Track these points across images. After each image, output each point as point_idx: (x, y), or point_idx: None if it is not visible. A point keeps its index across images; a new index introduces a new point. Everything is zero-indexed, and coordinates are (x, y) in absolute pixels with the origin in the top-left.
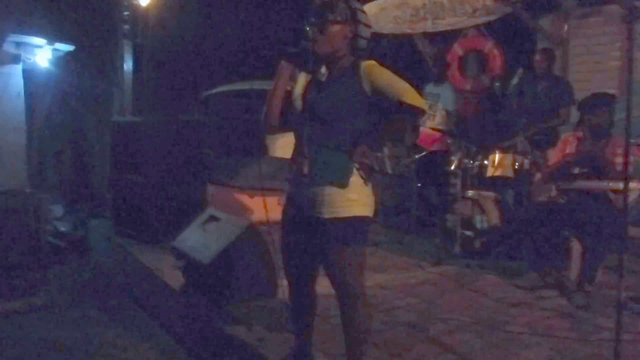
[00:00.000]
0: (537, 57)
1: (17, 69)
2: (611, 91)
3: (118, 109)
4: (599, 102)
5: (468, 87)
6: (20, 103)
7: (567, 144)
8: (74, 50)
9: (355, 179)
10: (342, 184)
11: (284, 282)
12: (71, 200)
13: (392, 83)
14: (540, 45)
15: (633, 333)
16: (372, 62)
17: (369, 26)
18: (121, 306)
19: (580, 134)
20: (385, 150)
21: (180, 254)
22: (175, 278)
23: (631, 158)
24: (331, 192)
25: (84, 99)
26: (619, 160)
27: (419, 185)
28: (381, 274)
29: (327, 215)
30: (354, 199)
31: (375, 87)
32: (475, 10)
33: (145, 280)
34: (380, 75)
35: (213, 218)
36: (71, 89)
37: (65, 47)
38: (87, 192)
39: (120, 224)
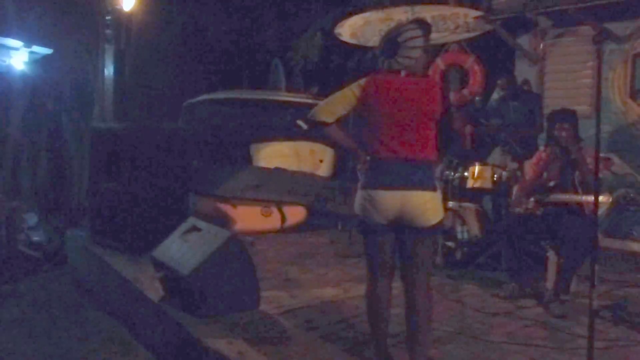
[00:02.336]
0: (500, 82)
1: None
2: (584, 108)
3: (98, 114)
4: (560, 117)
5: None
6: None
7: (540, 159)
8: (53, 54)
9: None
10: None
11: (274, 293)
12: (46, 209)
13: None
14: (518, 61)
15: (606, 340)
16: None
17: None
18: (97, 319)
19: (550, 149)
20: None
21: (159, 265)
22: (154, 289)
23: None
24: None
25: (62, 104)
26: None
27: None
28: (364, 285)
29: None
30: None
31: None
32: (457, 27)
33: (123, 292)
34: None
35: (194, 228)
36: (49, 93)
37: (42, 50)
38: (64, 201)
39: (98, 234)
